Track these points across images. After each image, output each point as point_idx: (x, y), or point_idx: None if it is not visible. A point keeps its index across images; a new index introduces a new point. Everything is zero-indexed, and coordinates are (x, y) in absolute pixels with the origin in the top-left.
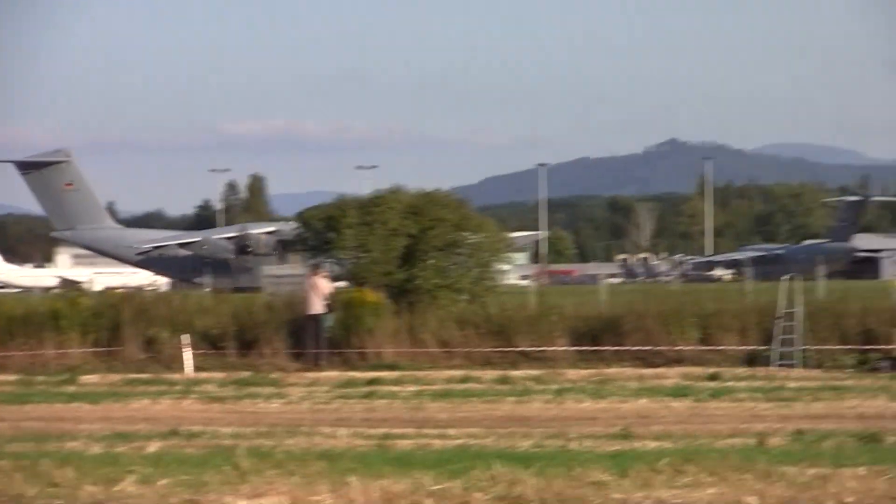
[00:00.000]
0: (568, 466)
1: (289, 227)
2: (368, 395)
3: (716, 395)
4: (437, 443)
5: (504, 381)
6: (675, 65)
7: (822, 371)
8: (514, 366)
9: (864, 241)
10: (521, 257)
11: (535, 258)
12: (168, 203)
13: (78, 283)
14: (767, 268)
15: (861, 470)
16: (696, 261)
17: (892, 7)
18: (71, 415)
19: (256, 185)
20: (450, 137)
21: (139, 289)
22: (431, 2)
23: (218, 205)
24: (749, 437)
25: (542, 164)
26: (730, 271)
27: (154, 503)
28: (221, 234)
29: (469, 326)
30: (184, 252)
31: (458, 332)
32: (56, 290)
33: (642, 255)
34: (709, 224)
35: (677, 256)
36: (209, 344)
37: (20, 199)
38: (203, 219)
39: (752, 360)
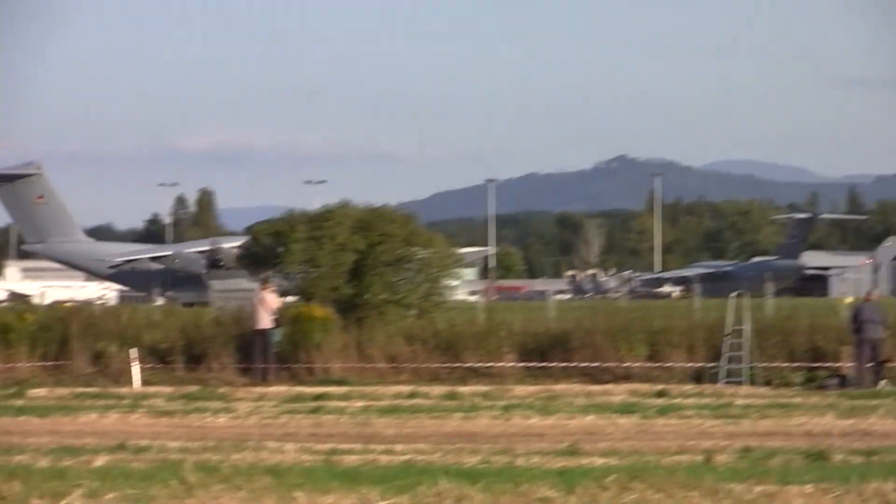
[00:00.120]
0: (515, 483)
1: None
2: (316, 411)
3: (663, 411)
4: (384, 458)
5: (452, 396)
6: (625, 81)
7: (769, 388)
8: (462, 381)
9: (812, 259)
10: (469, 273)
11: (484, 274)
12: (116, 216)
13: (26, 296)
14: (716, 285)
15: (808, 487)
16: (644, 277)
17: (840, 26)
18: (19, 428)
19: (206, 199)
20: (399, 152)
21: (88, 303)
22: (380, 17)
23: (167, 219)
24: (696, 454)
25: (490, 180)
26: (678, 288)
27: None
28: (193, 248)
29: (417, 342)
30: (156, 266)
31: (407, 347)
32: (4, 304)
33: (591, 272)
34: (658, 240)
35: (626, 273)
36: (157, 358)
37: None
38: (152, 233)
39: (699, 377)
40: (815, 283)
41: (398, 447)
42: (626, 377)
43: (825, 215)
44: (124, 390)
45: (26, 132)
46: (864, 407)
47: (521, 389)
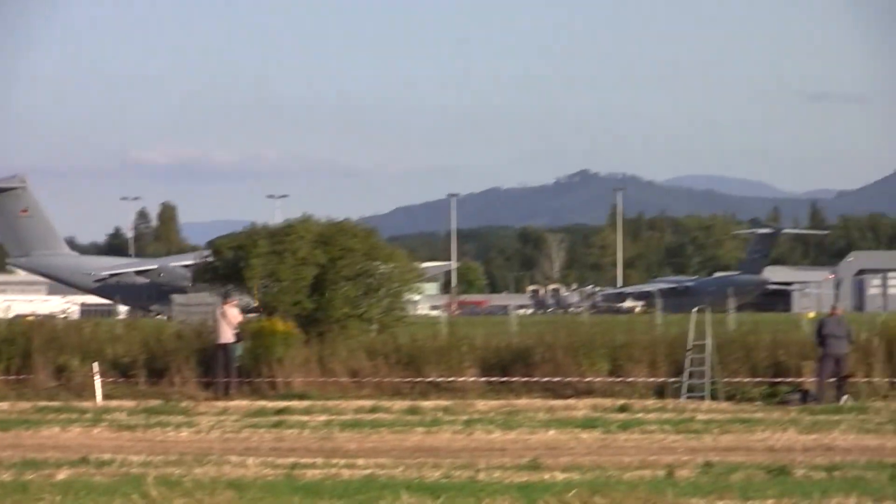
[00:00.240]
0: (476, 497)
1: None
2: (278, 425)
3: (625, 426)
4: (346, 472)
5: (413, 411)
6: (587, 96)
7: (731, 403)
8: (424, 396)
9: (775, 274)
10: (431, 288)
11: (446, 288)
12: (78, 230)
13: None
14: (678, 300)
15: (770, 502)
16: (606, 292)
17: (803, 41)
18: None
19: (167, 213)
20: (360, 167)
21: (50, 316)
22: (341, 31)
23: (129, 233)
24: (658, 469)
25: (452, 195)
26: (640, 303)
27: None
28: (179, 262)
29: (379, 356)
30: (141, 279)
31: (368, 361)
32: None
33: (553, 287)
34: (620, 255)
35: (588, 288)
36: (119, 372)
37: None
38: (114, 247)
39: (661, 392)
40: (778, 299)
41: (360, 461)
42: (588, 392)
43: (787, 230)
44: (87, 404)
45: None
46: (826, 422)
47: (483, 404)
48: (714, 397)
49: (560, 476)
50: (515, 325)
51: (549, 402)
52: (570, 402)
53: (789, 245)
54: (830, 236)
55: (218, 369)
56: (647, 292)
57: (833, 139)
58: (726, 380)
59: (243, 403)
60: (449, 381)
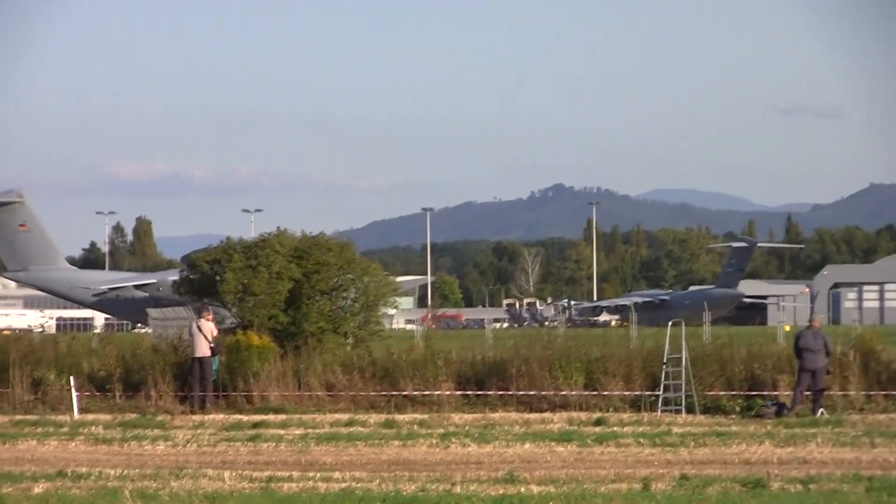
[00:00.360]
0: None
1: None
2: (254, 438)
3: (601, 439)
4: (322, 486)
5: (389, 424)
6: (561, 110)
7: (707, 416)
8: (400, 409)
9: (750, 288)
10: (406, 301)
11: (422, 302)
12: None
13: None
14: (653, 313)
15: None
16: (582, 306)
17: (776, 55)
18: None
19: (143, 228)
20: (335, 181)
21: (27, 330)
22: (315, 45)
23: (105, 247)
24: (634, 482)
25: (427, 209)
26: (616, 316)
27: None
28: (178, 276)
29: (354, 370)
30: (140, 294)
31: (344, 375)
32: None
33: (528, 300)
34: (595, 269)
35: (563, 301)
36: (96, 386)
37: None
38: (90, 261)
39: (637, 405)
40: (753, 312)
41: (336, 475)
42: (564, 405)
43: (762, 244)
44: (63, 418)
45: None
46: (802, 435)
47: (459, 417)
48: (690, 410)
49: (536, 489)
50: (491, 339)
51: (525, 415)
52: (546, 415)
53: (764, 259)
54: (805, 250)
55: (194, 383)
56: (623, 306)
57: (808, 153)
58: (702, 393)
59: (219, 417)
60: (425, 395)
